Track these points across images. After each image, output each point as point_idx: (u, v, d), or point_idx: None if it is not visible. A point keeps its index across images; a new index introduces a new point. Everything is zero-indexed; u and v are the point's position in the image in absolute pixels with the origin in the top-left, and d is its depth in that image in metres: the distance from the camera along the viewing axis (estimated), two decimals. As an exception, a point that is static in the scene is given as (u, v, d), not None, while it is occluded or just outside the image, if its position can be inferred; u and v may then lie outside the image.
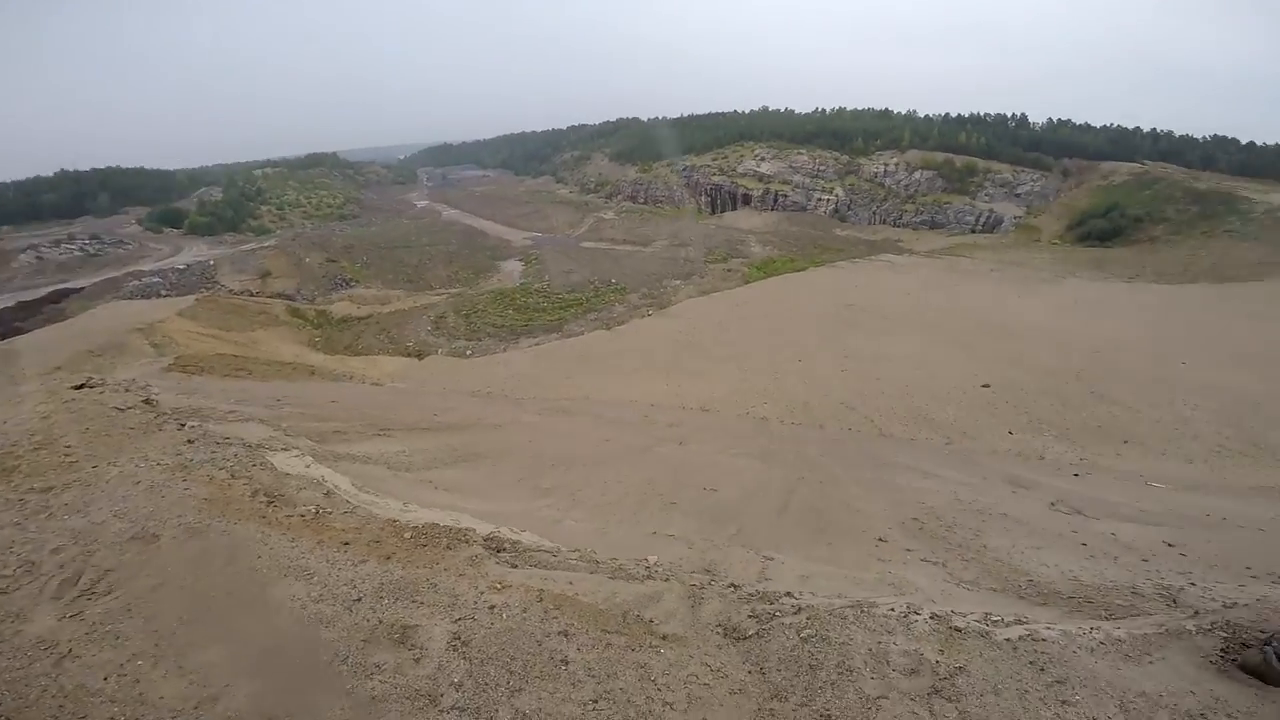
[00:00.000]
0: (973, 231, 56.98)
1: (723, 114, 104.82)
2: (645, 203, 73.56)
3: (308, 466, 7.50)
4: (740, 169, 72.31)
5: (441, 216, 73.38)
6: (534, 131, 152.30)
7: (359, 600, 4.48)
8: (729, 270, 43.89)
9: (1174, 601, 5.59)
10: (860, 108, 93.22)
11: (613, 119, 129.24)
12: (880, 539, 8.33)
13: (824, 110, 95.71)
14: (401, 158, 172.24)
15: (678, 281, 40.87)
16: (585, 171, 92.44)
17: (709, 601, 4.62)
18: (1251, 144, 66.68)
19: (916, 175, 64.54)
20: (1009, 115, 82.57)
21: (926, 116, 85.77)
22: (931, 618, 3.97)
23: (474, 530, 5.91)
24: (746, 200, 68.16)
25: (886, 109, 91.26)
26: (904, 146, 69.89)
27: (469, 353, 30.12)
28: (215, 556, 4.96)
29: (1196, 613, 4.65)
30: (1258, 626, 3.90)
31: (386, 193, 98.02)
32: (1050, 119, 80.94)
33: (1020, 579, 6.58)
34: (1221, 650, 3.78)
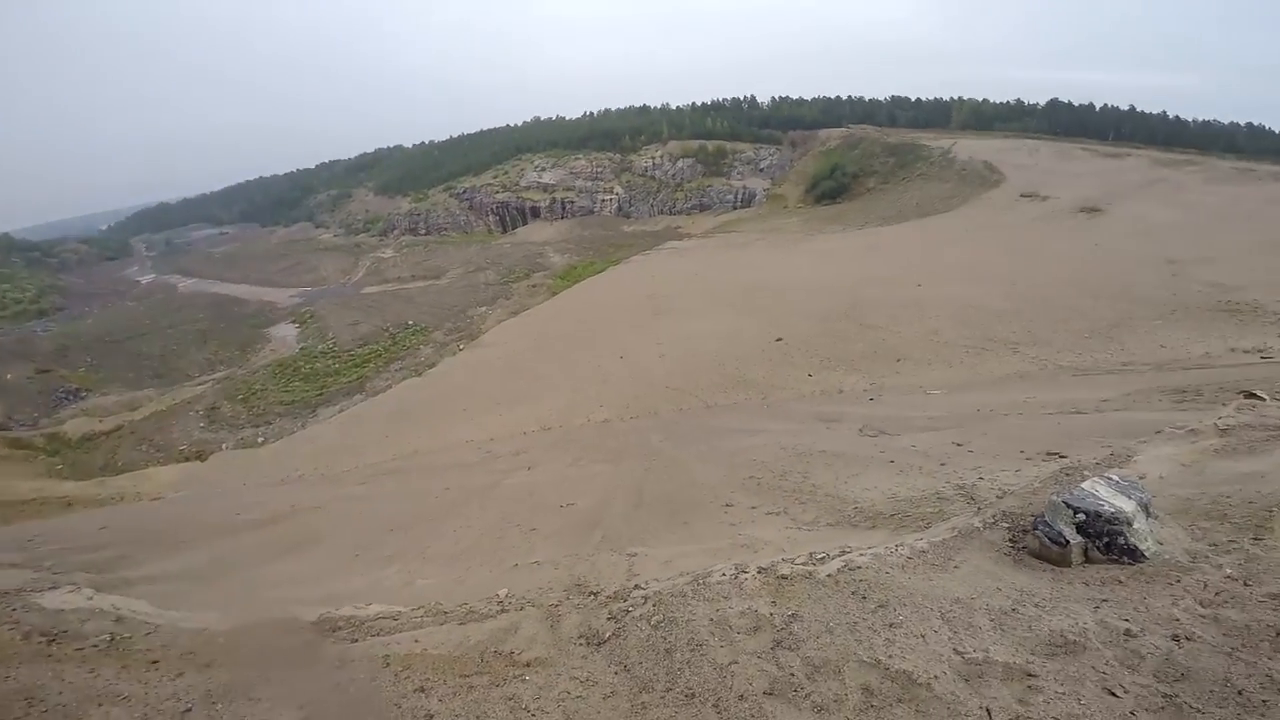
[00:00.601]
0: (734, 208, 64.25)
1: (495, 130, 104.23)
2: (428, 233, 70.27)
3: (89, 599, 6.31)
4: (523, 182, 72.64)
5: (178, 290, 62.33)
6: (277, 175, 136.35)
7: (189, 710, 3.90)
8: (533, 286, 43.97)
9: (971, 498, 6.41)
10: (624, 106, 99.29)
11: (370, 150, 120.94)
12: (727, 504, 9.04)
13: (592, 113, 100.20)
14: (104, 228, 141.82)
15: (483, 308, 39.85)
16: (349, 210, 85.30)
17: (568, 617, 4.67)
18: (920, 100, 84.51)
19: (680, 164, 70.68)
20: (743, 98, 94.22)
21: (678, 108, 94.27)
22: (759, 571, 4.13)
23: (299, 618, 5.38)
24: (536, 213, 68.73)
25: (645, 105, 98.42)
26: (665, 139, 76.05)
27: (261, 439, 26.33)
28: (9, 707, 4.03)
29: (980, 509, 5.25)
30: (1029, 511, 4.27)
31: (96, 273, 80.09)
32: (774, 97, 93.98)
33: (848, 508, 7.56)
34: (1010, 541, 4.12)
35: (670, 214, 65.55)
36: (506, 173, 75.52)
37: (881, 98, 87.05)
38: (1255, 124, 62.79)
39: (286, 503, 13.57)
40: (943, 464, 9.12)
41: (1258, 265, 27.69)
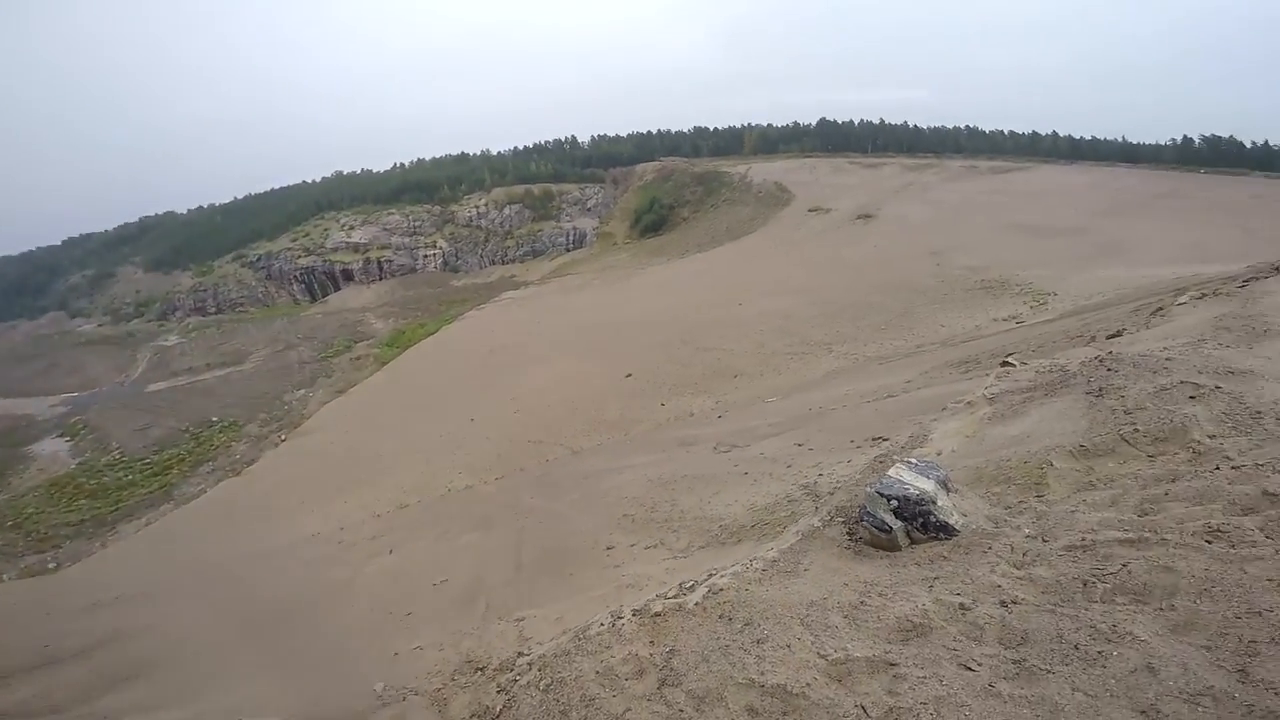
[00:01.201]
0: (568, 250, 65.88)
1: (289, 188, 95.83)
2: (219, 311, 62.42)
3: None
4: (330, 243, 67.64)
5: None
6: (8, 256, 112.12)
7: None
8: (357, 358, 40.90)
9: (815, 495, 6.91)
10: (438, 155, 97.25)
11: (134, 219, 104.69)
12: (608, 547, 9.19)
13: (404, 164, 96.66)
14: None
15: (301, 391, 36.14)
16: (114, 293, 72.76)
17: (455, 698, 4.55)
18: (717, 129, 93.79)
19: (506, 211, 70.87)
20: (564, 139, 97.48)
21: (499, 153, 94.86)
22: (634, 614, 4.12)
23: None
24: (349, 276, 64.28)
25: (463, 152, 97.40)
26: (488, 186, 75.85)
27: (54, 564, 22.34)
28: None
29: (818, 507, 5.43)
30: (856, 503, 4.37)
31: None
32: (593, 136, 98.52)
33: (715, 527, 8.12)
34: (847, 534, 4.25)
35: (503, 263, 65.25)
36: (308, 234, 69.86)
37: (686, 129, 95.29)
38: (972, 126, 79.02)
39: (104, 632, 11.36)
40: (789, 466, 10.08)
41: (995, 246, 34.60)
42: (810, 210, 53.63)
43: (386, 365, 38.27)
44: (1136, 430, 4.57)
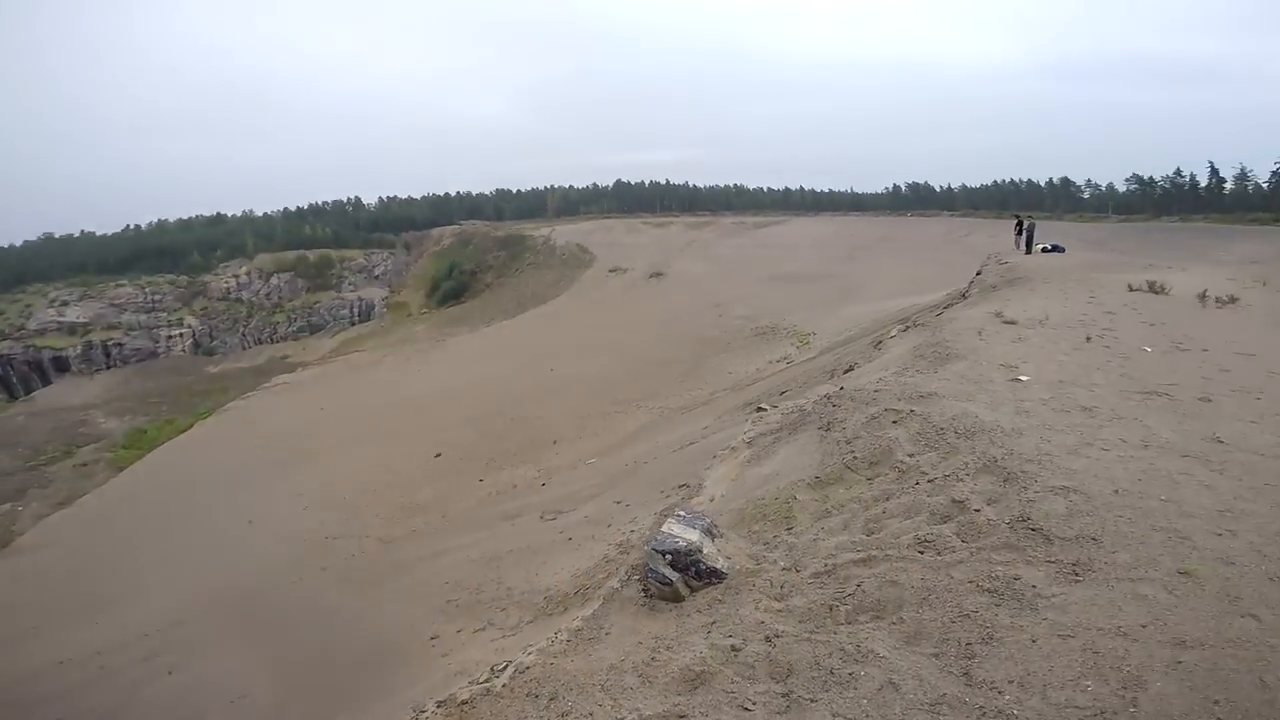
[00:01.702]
0: (353, 324, 61.31)
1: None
2: None
3: None
4: (34, 324, 54.83)
5: None
6: None
7: None
8: (83, 464, 33.32)
9: (627, 552, 7.17)
10: (187, 216, 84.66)
11: None
12: (433, 637, 8.89)
13: (138, 226, 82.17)
14: None
15: (6, 505, 28.50)
16: None
17: None
18: (520, 191, 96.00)
19: (274, 281, 64.05)
20: (346, 200, 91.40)
21: (266, 215, 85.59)
22: (439, 706, 4.05)
23: None
24: (62, 366, 52.46)
25: (219, 213, 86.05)
26: (250, 252, 67.92)
27: None
28: None
29: (617, 568, 5.86)
30: (644, 561, 4.54)
31: None
32: (381, 197, 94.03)
33: (541, 599, 8.30)
34: (643, 591, 4.38)
35: (272, 342, 58.39)
36: (2, 313, 56.04)
37: (488, 191, 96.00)
38: (739, 185, 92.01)
39: None
40: (609, 525, 10.56)
41: (764, 295, 40.22)
42: (610, 271, 57.14)
43: (126, 469, 31.67)
44: (856, 457, 5.41)
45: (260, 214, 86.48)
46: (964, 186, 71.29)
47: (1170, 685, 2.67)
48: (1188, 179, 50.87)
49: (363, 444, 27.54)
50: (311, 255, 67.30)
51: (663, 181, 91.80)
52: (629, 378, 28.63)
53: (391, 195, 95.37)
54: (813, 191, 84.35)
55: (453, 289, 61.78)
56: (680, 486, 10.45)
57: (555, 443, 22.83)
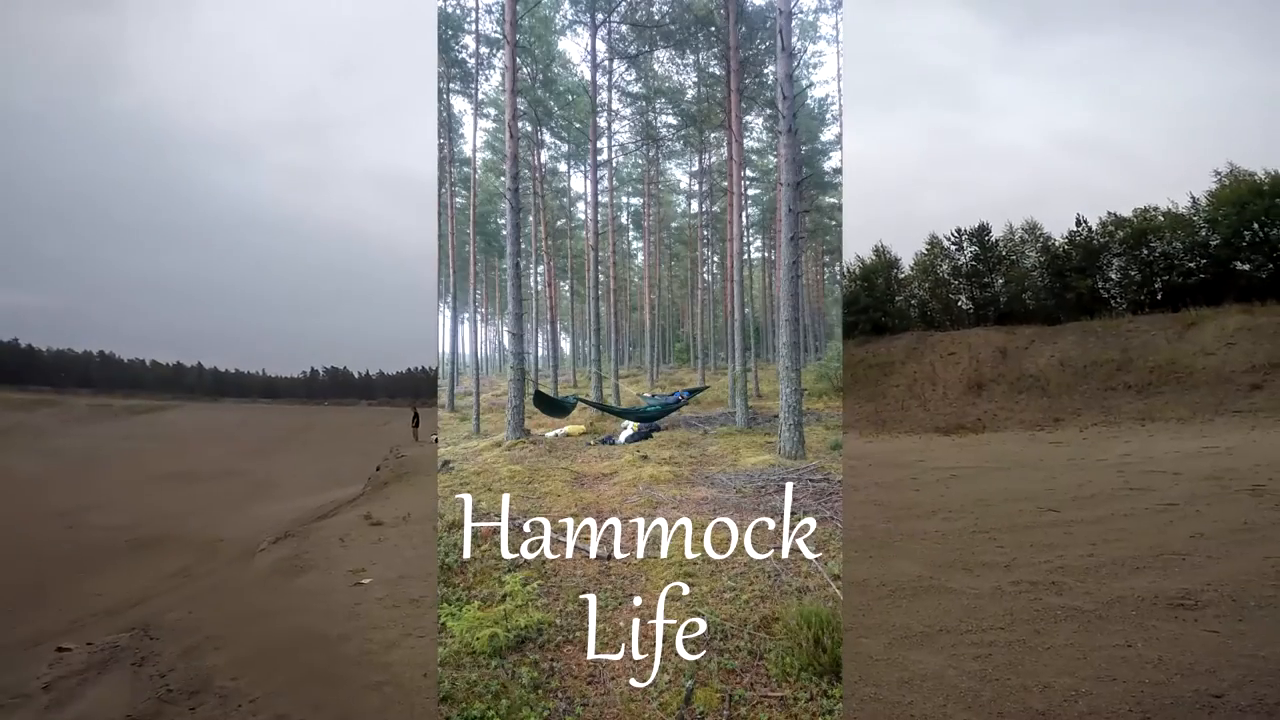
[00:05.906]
0: None
1: None
2: None
3: None
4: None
5: None
6: None
7: None
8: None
9: None
10: None
11: None
12: None
13: None
14: None
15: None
16: None
17: None
18: None
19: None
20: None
21: None
22: None
23: None
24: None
25: None
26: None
27: None
28: None
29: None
30: None
31: None
32: None
33: None
34: None
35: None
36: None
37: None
38: (108, 353, 72.56)
39: None
40: None
41: (146, 499, 33.57)
42: None
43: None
44: (171, 690, 5.33)
45: None
46: (381, 374, 75.06)
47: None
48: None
49: None
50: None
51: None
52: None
53: None
54: (214, 370, 76.01)
55: None
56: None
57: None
